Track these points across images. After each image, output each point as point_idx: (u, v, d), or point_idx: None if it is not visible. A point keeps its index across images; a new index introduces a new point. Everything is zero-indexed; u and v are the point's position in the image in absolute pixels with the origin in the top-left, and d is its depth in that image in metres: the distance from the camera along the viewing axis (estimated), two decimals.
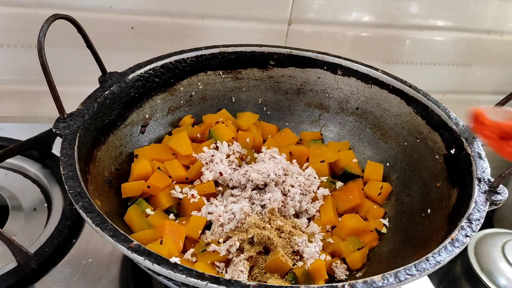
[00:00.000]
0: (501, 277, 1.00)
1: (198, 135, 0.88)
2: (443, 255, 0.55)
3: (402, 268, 0.52)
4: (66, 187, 0.59)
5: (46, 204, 0.90)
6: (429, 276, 0.90)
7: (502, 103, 0.72)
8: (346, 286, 0.50)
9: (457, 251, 0.55)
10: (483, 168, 0.68)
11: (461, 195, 0.68)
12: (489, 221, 1.47)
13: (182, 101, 0.92)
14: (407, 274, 0.52)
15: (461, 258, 1.08)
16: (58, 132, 0.67)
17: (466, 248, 1.07)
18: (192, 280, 0.49)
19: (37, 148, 0.97)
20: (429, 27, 1.24)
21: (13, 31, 1.03)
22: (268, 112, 0.99)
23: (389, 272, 0.52)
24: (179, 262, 0.51)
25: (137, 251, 0.51)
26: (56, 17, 0.67)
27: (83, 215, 0.55)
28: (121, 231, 0.54)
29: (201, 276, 0.49)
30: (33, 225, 0.86)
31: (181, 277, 0.49)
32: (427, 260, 0.54)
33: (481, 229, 1.12)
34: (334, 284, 0.50)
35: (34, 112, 1.13)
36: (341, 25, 1.19)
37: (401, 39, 1.25)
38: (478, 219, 0.60)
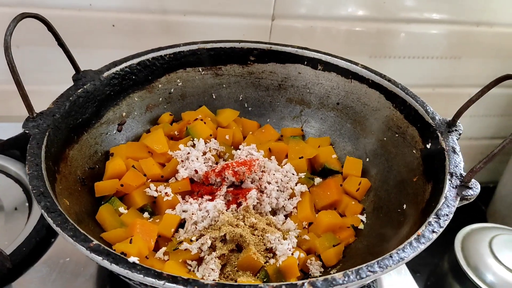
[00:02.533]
0: (488, 273, 0.98)
1: (176, 132, 0.87)
2: (408, 251, 0.54)
3: (364, 265, 0.51)
4: (30, 187, 0.58)
5: (27, 204, 0.90)
6: (416, 272, 0.89)
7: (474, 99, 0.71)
8: (305, 284, 0.49)
9: (422, 247, 0.54)
10: (456, 163, 0.67)
11: (434, 190, 0.67)
12: (482, 215, 1.46)
13: (160, 99, 0.91)
14: (369, 271, 0.51)
15: (448, 254, 1.07)
16: (27, 131, 0.67)
17: (453, 244, 1.06)
18: (149, 280, 0.49)
19: (18, 147, 0.97)
20: (424, 21, 1.22)
21: None
22: (250, 109, 0.98)
23: (350, 269, 0.51)
24: (137, 262, 0.50)
25: (96, 251, 0.51)
26: (23, 15, 0.67)
27: (45, 215, 0.55)
28: (82, 231, 0.53)
29: (158, 275, 0.49)
30: (13, 224, 0.85)
31: (138, 277, 0.49)
32: (390, 256, 0.53)
33: (470, 223, 1.12)
34: (294, 283, 0.49)
35: (17, 111, 1.12)
36: (329, 19, 1.17)
37: (391, 33, 1.23)
38: (447, 215, 0.58)
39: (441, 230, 0.56)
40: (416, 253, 0.54)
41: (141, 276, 0.49)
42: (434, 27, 1.24)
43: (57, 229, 0.54)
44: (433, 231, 0.56)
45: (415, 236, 0.56)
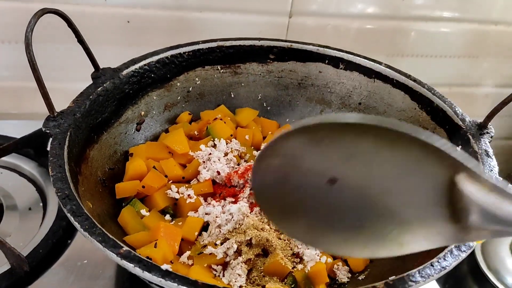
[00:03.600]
0: (509, 276, 0.97)
1: (196, 132, 0.85)
2: (449, 260, 0.52)
3: (405, 274, 0.50)
4: (55, 189, 0.56)
5: (41, 204, 0.88)
6: None
7: (506, 101, 0.69)
8: None
9: (464, 255, 0.53)
10: (491, 167, 0.65)
11: None
12: None
13: (179, 97, 0.89)
14: (411, 280, 0.49)
15: (467, 256, 1.05)
16: (48, 131, 0.65)
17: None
18: None
19: (32, 146, 0.95)
20: (434, 19, 1.20)
21: (8, 26, 1.00)
22: (268, 108, 0.96)
23: (391, 279, 0.49)
24: (170, 269, 0.48)
25: (127, 257, 0.49)
26: (44, 11, 0.65)
27: (71, 219, 0.53)
28: (110, 236, 0.51)
29: (193, 284, 0.47)
30: (28, 225, 0.83)
31: (172, 285, 0.47)
32: (431, 265, 0.51)
33: None
34: None
35: (30, 108, 1.10)
36: (345, 17, 1.15)
37: (406, 31, 1.21)
38: None
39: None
40: (458, 261, 0.52)
41: (175, 284, 0.47)
42: (450, 26, 1.22)
43: (85, 233, 0.52)
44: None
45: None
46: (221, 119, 0.85)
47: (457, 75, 1.31)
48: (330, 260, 0.69)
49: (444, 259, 0.52)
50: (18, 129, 0.98)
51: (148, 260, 0.49)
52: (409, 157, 0.34)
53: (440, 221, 0.37)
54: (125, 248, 0.50)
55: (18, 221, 0.84)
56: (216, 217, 0.70)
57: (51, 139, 0.64)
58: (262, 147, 0.43)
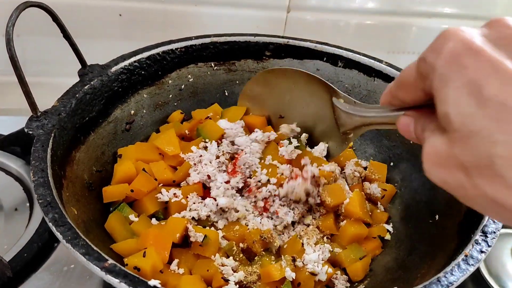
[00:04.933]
0: (511, 282, 0.94)
1: (187, 132, 0.81)
2: (456, 274, 0.49)
3: None
4: (36, 195, 0.53)
5: (28, 204, 0.84)
6: None
7: None
8: None
9: (472, 269, 0.50)
10: None
11: None
12: None
13: (170, 96, 0.86)
14: None
15: None
16: (31, 132, 0.61)
17: None
18: None
19: (19, 143, 0.91)
20: (436, 15, 1.17)
21: None
22: None
23: None
24: (159, 285, 0.45)
25: (112, 271, 0.46)
26: (27, 5, 0.61)
27: (53, 228, 0.50)
28: (95, 248, 0.48)
29: None
30: (13, 226, 0.80)
31: None
32: (438, 281, 0.48)
33: None
34: None
35: (17, 104, 1.06)
36: (344, 12, 1.12)
37: (407, 27, 1.18)
38: (494, 232, 0.54)
39: (490, 249, 0.52)
40: (465, 276, 0.49)
41: None
42: (453, 22, 1.19)
43: (67, 245, 0.48)
44: (482, 251, 0.51)
45: (462, 256, 0.51)
46: (211, 119, 0.81)
47: None
48: (331, 270, 0.65)
49: (452, 274, 0.49)
50: (4, 126, 0.94)
51: (134, 274, 0.46)
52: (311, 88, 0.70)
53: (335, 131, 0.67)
54: (110, 261, 0.47)
55: (3, 222, 0.80)
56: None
57: (34, 140, 0.60)
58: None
